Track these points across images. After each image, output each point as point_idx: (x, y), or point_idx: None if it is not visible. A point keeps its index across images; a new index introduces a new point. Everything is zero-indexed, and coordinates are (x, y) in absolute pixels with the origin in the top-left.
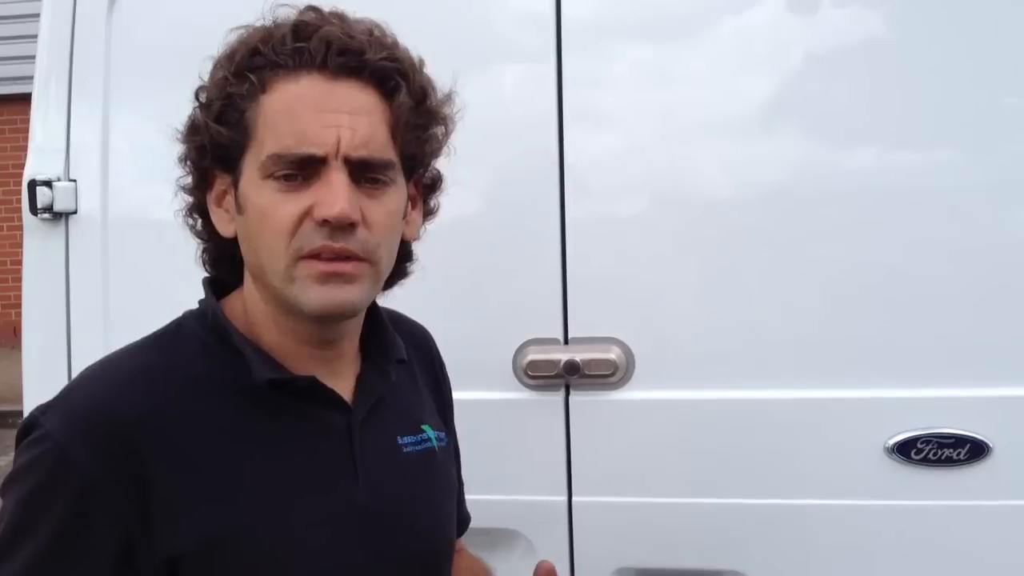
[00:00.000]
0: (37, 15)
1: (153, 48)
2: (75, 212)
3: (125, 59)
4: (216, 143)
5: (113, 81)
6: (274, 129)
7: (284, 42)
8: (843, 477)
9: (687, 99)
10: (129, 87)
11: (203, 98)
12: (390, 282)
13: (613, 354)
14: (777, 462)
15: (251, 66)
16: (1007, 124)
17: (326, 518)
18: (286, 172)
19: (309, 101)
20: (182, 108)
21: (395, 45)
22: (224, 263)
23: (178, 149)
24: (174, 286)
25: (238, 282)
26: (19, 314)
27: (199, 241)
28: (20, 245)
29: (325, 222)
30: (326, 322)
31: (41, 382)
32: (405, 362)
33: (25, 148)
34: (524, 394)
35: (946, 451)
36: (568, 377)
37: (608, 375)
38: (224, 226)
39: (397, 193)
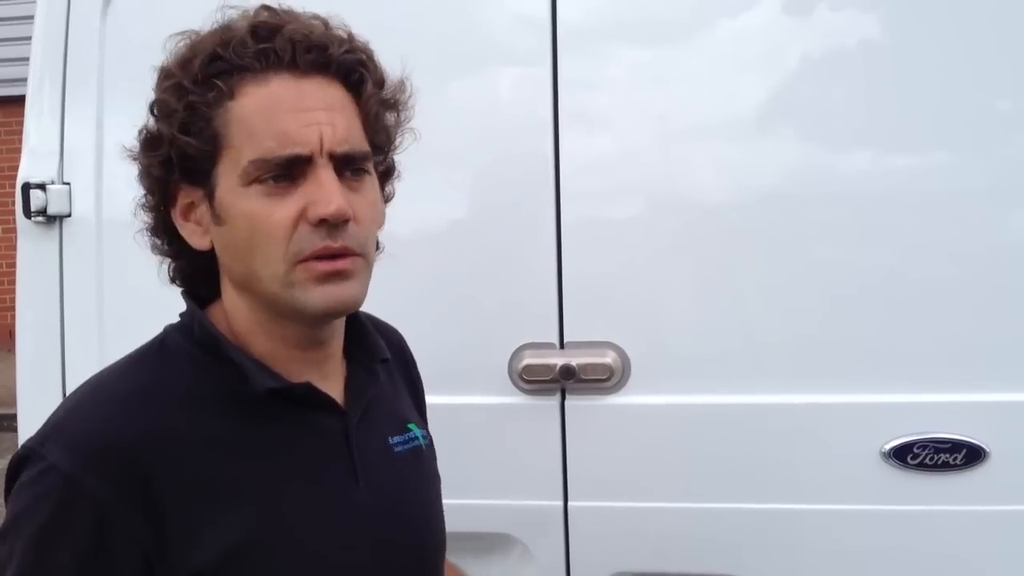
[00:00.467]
0: (32, 17)
1: (148, 50)
2: (69, 215)
3: (119, 61)
4: (184, 155)
5: (107, 84)
6: (252, 134)
7: (245, 44)
8: (840, 482)
9: (683, 101)
10: (123, 90)
11: (159, 110)
12: None
13: (609, 358)
14: (773, 467)
15: (213, 72)
16: (1004, 126)
17: (334, 522)
18: (273, 175)
19: (285, 102)
20: None
21: (350, 35)
22: (199, 276)
23: (134, 167)
24: (168, 290)
25: (212, 295)
26: (14, 317)
27: (166, 259)
28: (15, 248)
29: (322, 221)
30: (323, 322)
31: (35, 385)
32: (388, 361)
33: (20, 151)
34: (520, 399)
35: (943, 456)
36: (564, 381)
37: (604, 379)
38: (197, 239)
39: (374, 182)
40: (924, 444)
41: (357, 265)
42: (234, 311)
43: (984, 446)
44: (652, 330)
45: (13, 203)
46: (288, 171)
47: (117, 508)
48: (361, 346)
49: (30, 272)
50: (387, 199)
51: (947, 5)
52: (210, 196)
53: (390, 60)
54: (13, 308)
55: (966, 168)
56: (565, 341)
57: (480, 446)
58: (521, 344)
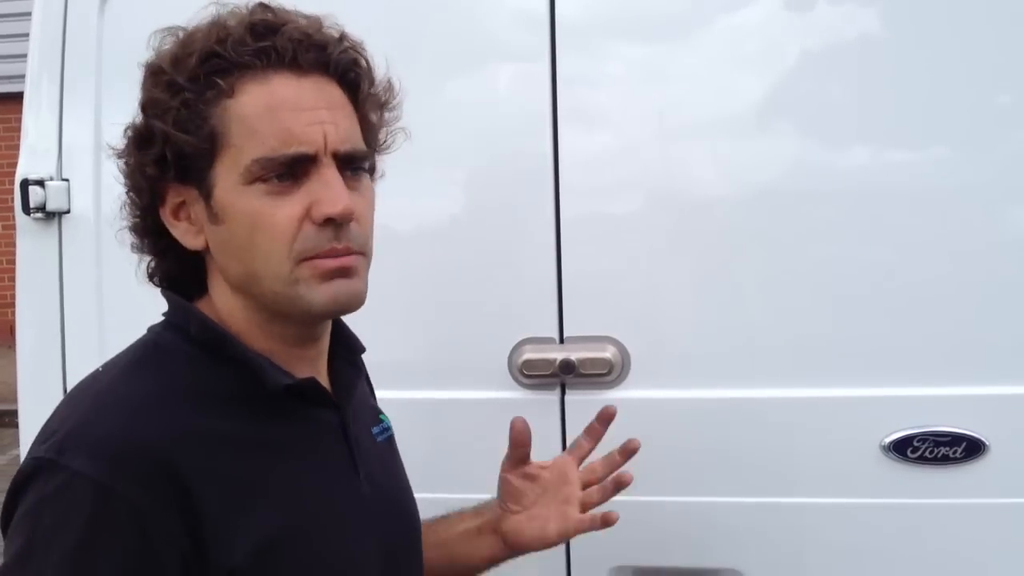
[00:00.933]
0: (30, 13)
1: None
2: (68, 211)
3: (117, 58)
4: (180, 153)
5: (105, 79)
6: (255, 133)
7: (244, 42)
8: (840, 475)
9: (682, 98)
10: (121, 86)
11: (151, 108)
12: None
13: (609, 353)
14: (773, 460)
15: (211, 69)
16: (1002, 123)
17: (345, 515)
18: (277, 174)
19: (287, 100)
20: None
21: (344, 35)
22: (184, 275)
23: (118, 165)
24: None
25: (193, 294)
26: (15, 313)
27: (151, 257)
28: (15, 244)
29: (328, 221)
30: (323, 320)
31: (35, 381)
32: (363, 351)
33: (19, 147)
34: (519, 393)
35: (942, 449)
36: (564, 376)
37: (604, 374)
38: (190, 239)
39: (369, 182)
40: (924, 437)
41: (359, 263)
42: (229, 310)
43: (984, 439)
44: (652, 325)
45: (12, 200)
46: (291, 170)
47: (154, 512)
48: (341, 339)
49: (30, 268)
50: None
51: (944, 2)
52: (206, 195)
53: (387, 58)
54: (13, 305)
55: (964, 164)
56: (565, 336)
57: (480, 441)
58: (521, 339)
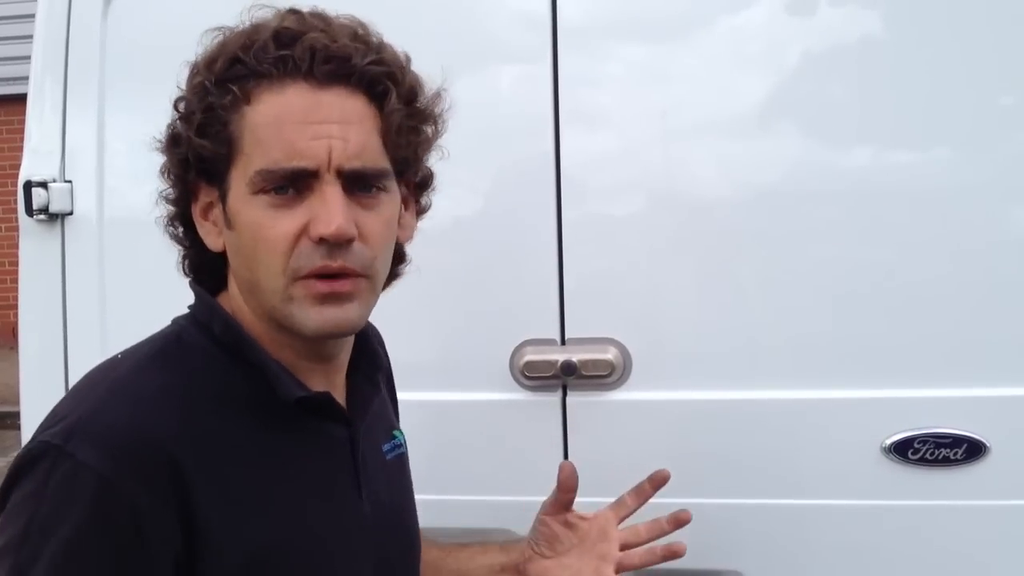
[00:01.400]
0: (33, 15)
1: (149, 48)
2: (71, 213)
3: (120, 59)
4: (200, 156)
5: (108, 81)
6: (261, 143)
7: (266, 50)
8: (840, 477)
9: (683, 99)
10: (125, 87)
11: (183, 108)
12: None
13: (610, 354)
14: (775, 462)
15: (232, 76)
16: (1003, 123)
17: (342, 534)
18: (276, 187)
19: (296, 112)
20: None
21: (381, 46)
22: (205, 270)
23: (159, 159)
24: (171, 287)
25: (217, 288)
26: (17, 315)
27: (181, 248)
28: (18, 246)
29: (322, 240)
30: (321, 342)
31: (38, 383)
32: (386, 368)
33: (22, 149)
34: (521, 395)
35: (943, 451)
36: (565, 378)
37: (605, 375)
38: (212, 240)
39: (391, 201)
40: (925, 439)
41: (358, 287)
42: (243, 314)
43: (984, 441)
44: (653, 326)
45: (15, 201)
46: (293, 184)
47: (152, 511)
48: (363, 354)
49: (33, 270)
50: (422, 211)
51: (945, 3)
52: (223, 199)
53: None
54: (16, 306)
55: (965, 165)
56: (566, 337)
57: (481, 442)
58: (522, 340)
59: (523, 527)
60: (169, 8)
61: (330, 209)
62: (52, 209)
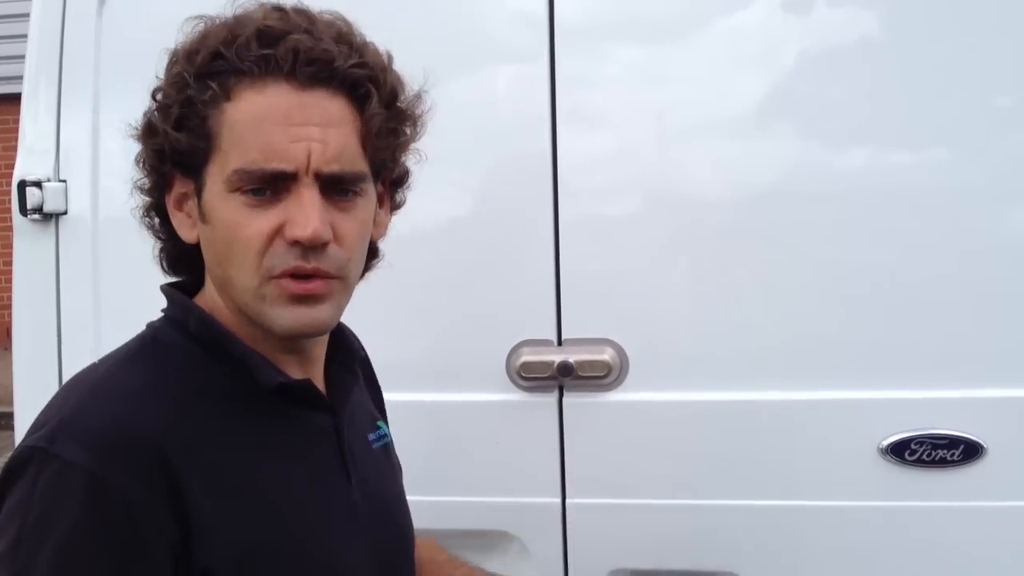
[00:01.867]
0: (28, 15)
1: (143, 47)
2: (65, 213)
3: (115, 59)
4: (176, 149)
5: (103, 81)
6: (240, 142)
7: (249, 47)
8: (837, 478)
9: (680, 99)
10: (119, 87)
11: (160, 99)
12: None
13: (607, 355)
14: (771, 463)
15: (213, 70)
16: (1000, 125)
17: (334, 522)
18: (253, 188)
19: (277, 113)
20: None
21: (364, 46)
22: (183, 263)
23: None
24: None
25: (195, 282)
26: (11, 315)
27: (157, 240)
28: (12, 246)
29: (297, 242)
30: (293, 340)
31: (32, 383)
32: (364, 357)
33: (16, 148)
34: (518, 395)
35: (940, 452)
36: (562, 378)
37: (602, 376)
38: (186, 231)
39: (367, 203)
40: (922, 440)
41: (331, 288)
42: (218, 308)
43: (981, 442)
44: (650, 327)
45: (9, 201)
46: (271, 185)
47: (145, 503)
48: (339, 345)
49: (27, 270)
50: (396, 207)
51: (942, 3)
52: (199, 193)
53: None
54: (10, 306)
55: (962, 166)
56: (563, 338)
57: (478, 443)
58: (519, 341)
59: (520, 528)
60: (164, 7)
61: (307, 213)
62: (46, 209)
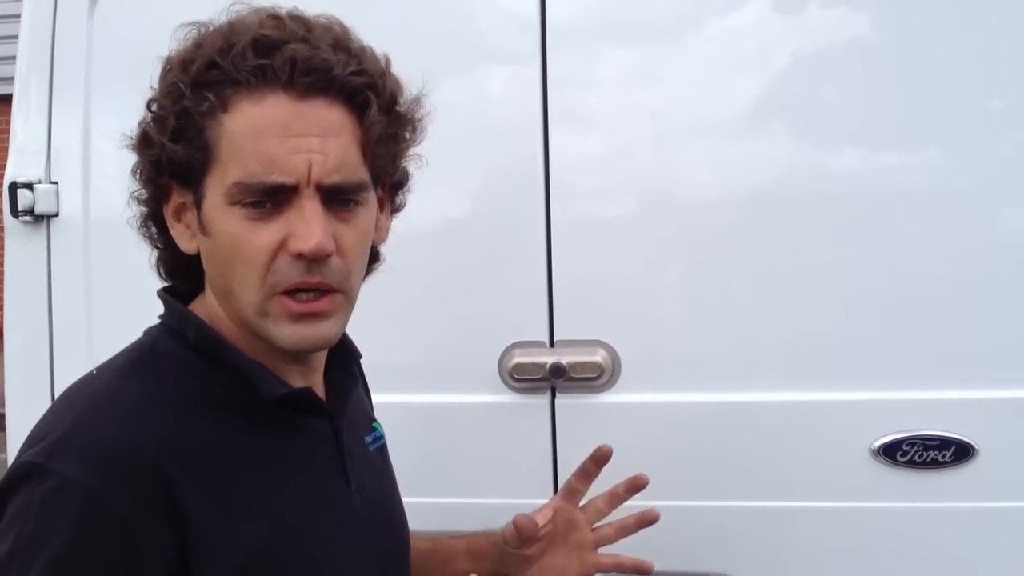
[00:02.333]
0: (19, 15)
1: (135, 48)
2: (56, 214)
3: (107, 60)
4: (173, 160)
5: (95, 82)
6: (239, 154)
7: (245, 57)
8: (829, 479)
9: (673, 101)
10: (111, 88)
11: (155, 109)
12: None
13: (599, 357)
14: (763, 464)
15: (208, 80)
16: (997, 125)
17: (335, 529)
18: (253, 201)
19: (276, 124)
20: None
21: (362, 52)
22: (181, 272)
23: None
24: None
25: (193, 289)
26: (2, 317)
27: (154, 249)
28: (2, 248)
29: (300, 255)
30: (296, 354)
31: (23, 386)
32: (361, 359)
33: (7, 150)
34: (510, 397)
35: (931, 453)
36: (554, 380)
37: (594, 378)
38: (185, 242)
39: (368, 211)
40: (913, 441)
41: (335, 303)
42: (218, 318)
43: (973, 443)
44: (642, 328)
45: (0, 202)
46: (271, 197)
47: (143, 520)
48: (338, 349)
49: (18, 272)
50: (397, 210)
51: (938, 4)
52: (198, 204)
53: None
54: (1, 308)
55: (957, 167)
56: (555, 340)
57: (470, 445)
58: (511, 343)
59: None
60: (156, 8)
61: (309, 225)
62: (38, 210)
